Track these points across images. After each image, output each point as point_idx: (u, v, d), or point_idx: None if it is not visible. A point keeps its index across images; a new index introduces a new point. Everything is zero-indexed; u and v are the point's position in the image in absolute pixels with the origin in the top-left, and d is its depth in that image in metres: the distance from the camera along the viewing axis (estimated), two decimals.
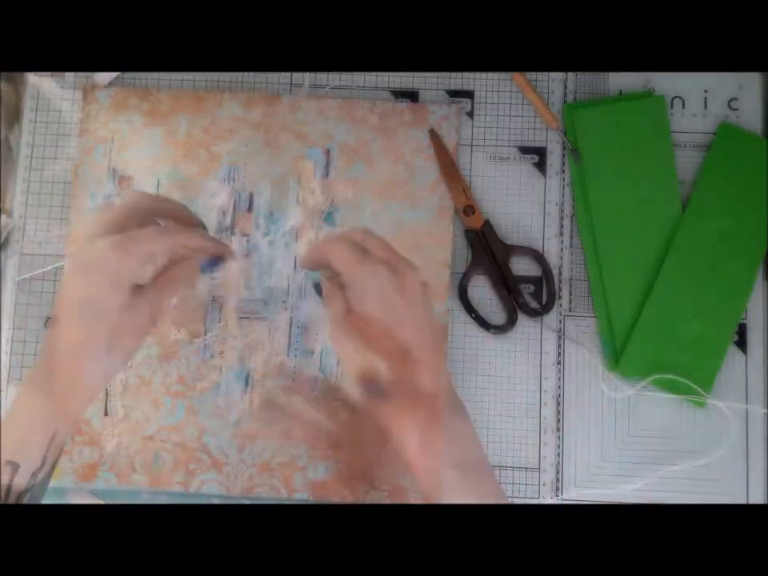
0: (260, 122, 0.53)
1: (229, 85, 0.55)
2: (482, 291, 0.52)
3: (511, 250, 0.52)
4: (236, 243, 0.52)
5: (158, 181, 0.53)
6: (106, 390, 0.51)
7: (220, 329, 0.52)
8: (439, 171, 0.52)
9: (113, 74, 0.55)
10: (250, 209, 0.53)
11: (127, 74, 0.55)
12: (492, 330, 0.51)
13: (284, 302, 0.52)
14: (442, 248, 0.52)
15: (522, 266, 0.52)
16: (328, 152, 0.53)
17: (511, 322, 0.51)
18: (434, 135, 0.52)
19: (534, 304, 0.52)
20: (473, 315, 0.51)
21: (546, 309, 0.51)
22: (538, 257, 0.52)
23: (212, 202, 0.53)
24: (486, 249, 0.51)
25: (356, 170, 0.53)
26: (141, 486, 0.50)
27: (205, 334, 0.52)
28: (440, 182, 0.52)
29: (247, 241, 0.52)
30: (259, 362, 0.51)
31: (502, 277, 0.51)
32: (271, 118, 0.53)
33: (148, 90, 0.54)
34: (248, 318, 0.52)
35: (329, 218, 0.52)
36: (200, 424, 0.51)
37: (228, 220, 0.53)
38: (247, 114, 0.54)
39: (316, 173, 0.53)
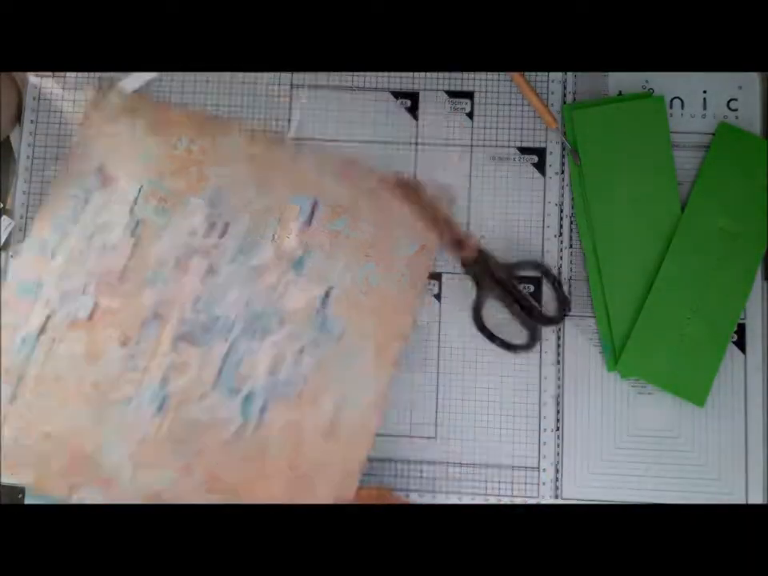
0: (258, 158, 0.53)
1: (240, 110, 0.54)
2: (498, 316, 0.51)
3: (513, 268, 0.51)
4: (196, 263, 0.51)
5: (141, 187, 0.52)
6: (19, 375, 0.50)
7: (152, 343, 0.50)
8: (415, 217, 0.51)
9: (141, 79, 0.54)
10: (222, 235, 0.51)
11: (152, 84, 0.55)
12: (518, 351, 0.51)
13: (226, 333, 0.50)
14: (403, 321, 0.50)
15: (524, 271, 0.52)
16: (315, 203, 0.52)
17: (534, 338, 0.51)
18: (401, 183, 0.52)
19: (550, 312, 0.51)
20: (496, 342, 0.51)
21: (560, 316, 0.51)
22: (540, 267, 0.51)
23: (187, 220, 0.52)
24: (488, 276, 0.51)
25: (339, 224, 0.51)
26: (25, 483, 0.49)
27: (136, 344, 0.50)
28: (419, 256, 0.51)
29: (208, 263, 0.51)
30: (180, 388, 0.49)
31: (512, 297, 0.51)
32: (270, 158, 0.53)
33: (161, 102, 0.54)
34: (185, 340, 0.50)
35: (298, 264, 0.51)
36: (101, 435, 0.49)
37: (196, 240, 0.51)
38: (248, 147, 0.53)
39: (299, 218, 0.52)
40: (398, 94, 0.54)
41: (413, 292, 0.51)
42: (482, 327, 0.51)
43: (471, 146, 0.54)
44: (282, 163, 0.53)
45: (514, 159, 0.54)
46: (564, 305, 0.51)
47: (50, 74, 0.55)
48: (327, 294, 0.50)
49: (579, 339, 0.52)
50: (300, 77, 0.55)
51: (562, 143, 0.53)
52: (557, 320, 0.51)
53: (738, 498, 0.50)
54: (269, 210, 0.52)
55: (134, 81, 0.55)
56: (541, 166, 0.53)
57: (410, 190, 0.51)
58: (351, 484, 0.48)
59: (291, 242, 0.51)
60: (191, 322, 0.50)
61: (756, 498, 0.50)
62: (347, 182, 0.52)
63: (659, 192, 0.52)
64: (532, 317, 0.51)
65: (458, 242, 0.51)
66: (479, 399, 0.51)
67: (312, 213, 0.52)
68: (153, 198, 0.52)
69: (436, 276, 0.52)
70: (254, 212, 0.52)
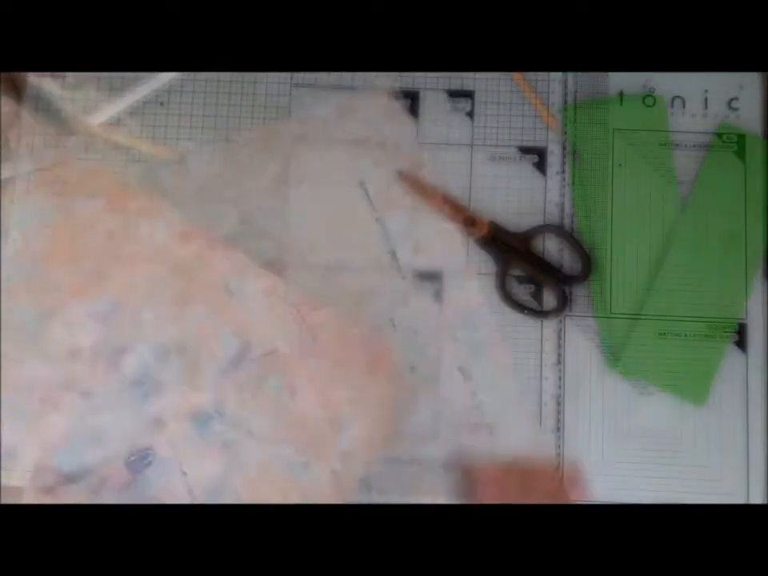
0: (190, 267, 0.39)
1: (240, 110, 0.53)
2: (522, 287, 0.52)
3: (529, 236, 0.51)
4: (73, 396, 0.40)
5: (10, 275, 0.39)
6: None
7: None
8: (424, 203, 0.51)
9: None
10: (111, 367, 0.40)
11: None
12: (549, 316, 0.51)
13: (97, 487, 0.39)
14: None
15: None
16: (246, 347, 0.40)
17: (563, 301, 0.51)
18: (404, 177, 0.52)
19: (574, 272, 0.51)
20: (526, 312, 0.51)
21: (585, 274, 0.51)
22: (556, 229, 0.52)
23: (67, 337, 0.39)
24: (506, 249, 0.51)
25: (270, 382, 0.40)
26: None
27: None
28: (360, 445, 0.41)
29: (89, 396, 0.40)
30: None
31: (533, 264, 0.51)
32: (207, 269, 0.39)
33: (67, 182, 0.44)
34: (50, 492, 0.39)
35: (204, 423, 0.39)
36: None
37: (74, 366, 0.40)
38: (180, 246, 0.40)
39: (221, 362, 0.40)
40: (398, 94, 0.54)
41: (343, 490, 0.40)
42: (509, 300, 0.51)
43: (471, 145, 0.54)
44: (216, 275, 0.40)
45: (515, 159, 0.53)
46: (586, 263, 0.51)
47: (49, 74, 0.55)
48: (227, 472, 0.39)
49: (579, 339, 0.52)
50: (300, 77, 0.55)
51: (563, 143, 0.53)
52: (582, 278, 0.51)
53: (738, 498, 0.50)
54: (182, 343, 0.39)
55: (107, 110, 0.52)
56: (541, 166, 0.53)
57: (413, 181, 0.52)
58: None
59: (203, 391, 0.39)
60: (53, 471, 0.39)
61: (756, 498, 0.50)
62: (288, 318, 0.40)
63: (659, 192, 0.52)
64: (558, 279, 0.51)
65: (468, 221, 0.51)
66: (480, 399, 0.51)
67: (240, 358, 0.40)
68: (25, 294, 0.39)
69: (436, 276, 0.52)
70: (161, 341, 0.39)
